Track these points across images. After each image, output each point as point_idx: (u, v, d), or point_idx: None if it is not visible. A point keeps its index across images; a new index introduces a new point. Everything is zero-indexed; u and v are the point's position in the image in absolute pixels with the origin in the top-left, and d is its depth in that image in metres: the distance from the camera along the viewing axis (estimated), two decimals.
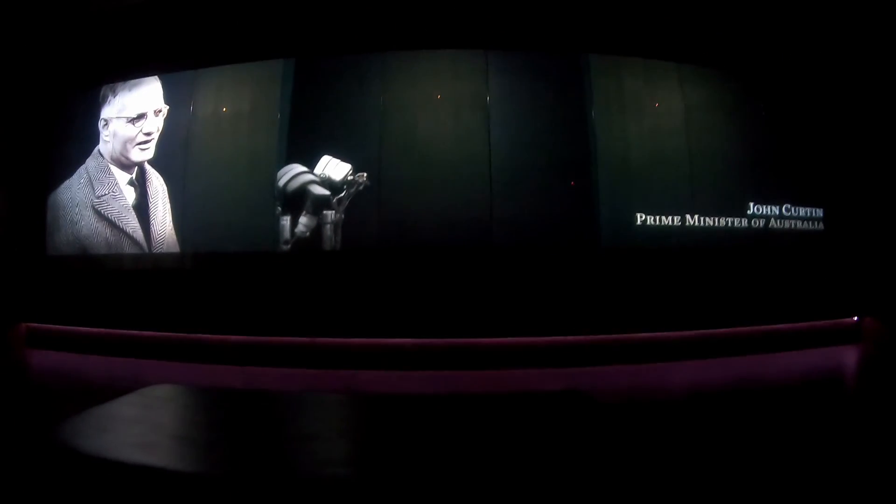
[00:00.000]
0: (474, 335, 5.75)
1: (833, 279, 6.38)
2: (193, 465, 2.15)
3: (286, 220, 6.16)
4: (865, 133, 6.52)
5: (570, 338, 5.79)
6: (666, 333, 5.88)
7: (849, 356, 6.17)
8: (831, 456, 3.10)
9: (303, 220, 6.14)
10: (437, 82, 6.27)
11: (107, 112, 6.89)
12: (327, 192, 6.10)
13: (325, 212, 6.10)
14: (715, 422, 3.98)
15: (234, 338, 5.99)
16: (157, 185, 6.64)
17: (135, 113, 6.76)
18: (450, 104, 6.21)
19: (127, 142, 6.76)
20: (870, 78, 6.46)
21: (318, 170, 6.15)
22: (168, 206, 6.58)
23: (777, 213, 6.42)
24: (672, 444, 2.96)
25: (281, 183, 6.20)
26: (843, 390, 5.10)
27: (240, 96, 6.53)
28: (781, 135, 6.52)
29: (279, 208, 6.19)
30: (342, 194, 6.09)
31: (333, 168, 6.11)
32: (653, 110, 6.35)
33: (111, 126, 6.84)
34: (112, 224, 6.73)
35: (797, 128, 6.55)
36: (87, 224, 6.83)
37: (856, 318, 6.52)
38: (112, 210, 6.74)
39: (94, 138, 6.91)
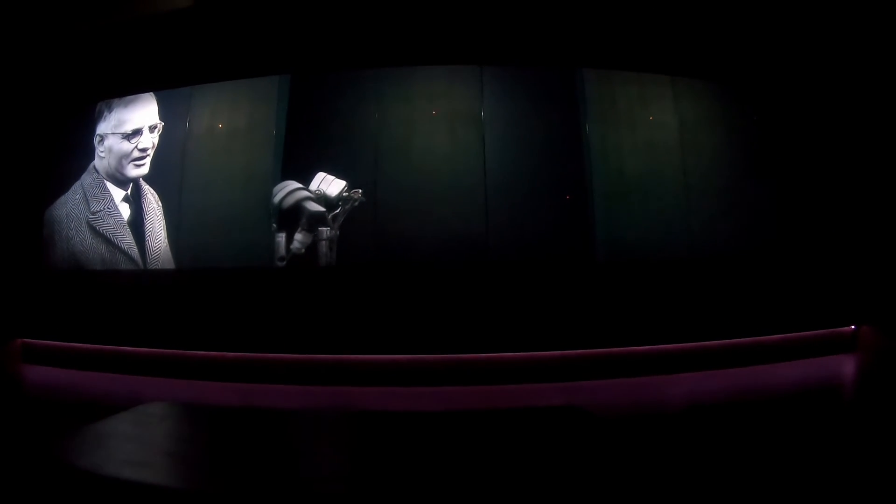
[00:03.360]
0: (471, 351, 5.73)
1: (830, 288, 6.38)
2: (187, 482, 2.14)
3: (282, 237, 6.15)
4: (861, 142, 6.54)
5: (567, 352, 5.77)
6: (663, 346, 5.87)
7: (847, 365, 6.16)
8: (831, 465, 3.09)
9: (298, 236, 6.13)
10: (433, 98, 6.29)
11: (102, 128, 6.89)
12: (323, 209, 6.09)
13: (320, 228, 6.09)
14: (714, 434, 3.97)
15: (230, 355, 5.97)
16: (153, 202, 6.63)
17: (130, 129, 6.76)
18: (445, 120, 6.23)
19: (122, 158, 6.75)
20: (866, 85, 6.48)
21: (313, 186, 6.15)
22: (163, 222, 6.57)
23: (774, 223, 6.42)
24: (671, 459, 2.94)
25: (276, 199, 6.20)
26: (842, 399, 5.09)
27: (236, 113, 6.54)
28: (777, 145, 6.54)
29: (274, 225, 6.19)
30: (337, 211, 6.08)
31: (329, 184, 6.11)
32: (647, 123, 6.37)
33: (106, 142, 6.84)
34: (107, 240, 6.72)
35: (793, 137, 6.57)
36: (83, 240, 6.81)
37: (853, 327, 6.51)
38: (107, 226, 6.73)
39: (89, 154, 6.90)
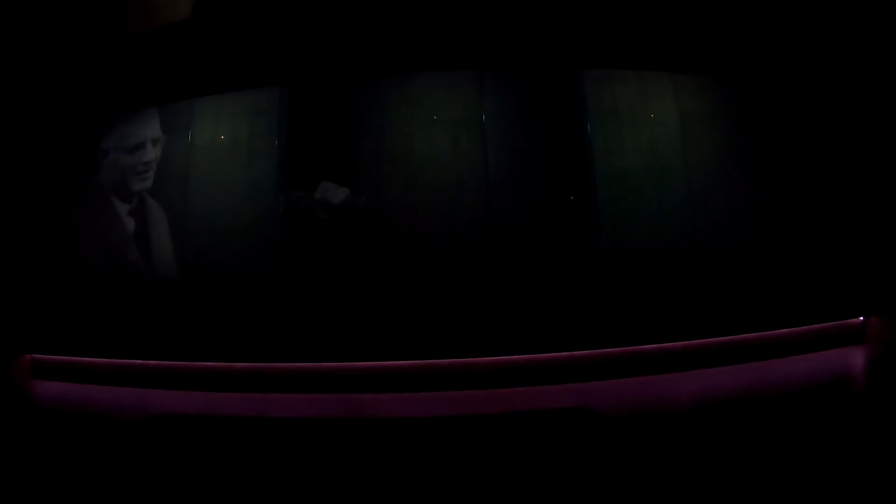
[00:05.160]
0: (479, 354, 5.74)
1: (837, 281, 6.36)
2: (197, 491, 2.15)
3: (286, 246, 6.19)
4: (865, 133, 6.51)
5: (576, 353, 5.77)
6: (672, 344, 5.86)
7: (856, 357, 6.13)
8: (843, 459, 3.08)
9: (303, 245, 6.15)
10: (433, 104, 6.31)
11: (104, 143, 6.91)
12: (327, 217, 6.12)
13: (325, 237, 6.12)
14: (726, 432, 3.96)
15: (238, 365, 5.98)
16: (157, 214, 6.65)
17: (133, 143, 6.78)
18: (446, 125, 6.25)
19: (125, 171, 6.78)
20: (870, 76, 6.46)
21: (317, 195, 6.18)
22: (168, 234, 6.60)
23: (778, 216, 6.40)
24: (683, 459, 2.93)
25: (280, 209, 6.24)
26: (852, 391, 5.09)
27: (237, 123, 6.58)
28: (779, 138, 6.52)
29: (279, 234, 6.22)
30: (341, 219, 6.11)
31: (332, 192, 6.14)
32: (649, 121, 6.37)
33: (109, 156, 6.86)
34: (113, 254, 6.74)
35: (796, 130, 6.55)
36: (89, 255, 6.82)
37: (861, 319, 6.48)
38: (112, 240, 6.75)
39: (92, 169, 6.93)
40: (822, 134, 6.55)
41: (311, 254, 6.17)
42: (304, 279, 6.17)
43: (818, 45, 6.50)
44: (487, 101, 6.28)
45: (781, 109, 6.58)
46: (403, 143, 6.24)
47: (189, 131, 6.68)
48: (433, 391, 5.56)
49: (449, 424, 4.49)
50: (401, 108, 6.33)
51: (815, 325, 6.26)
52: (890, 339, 6.25)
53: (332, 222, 6.14)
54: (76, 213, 6.92)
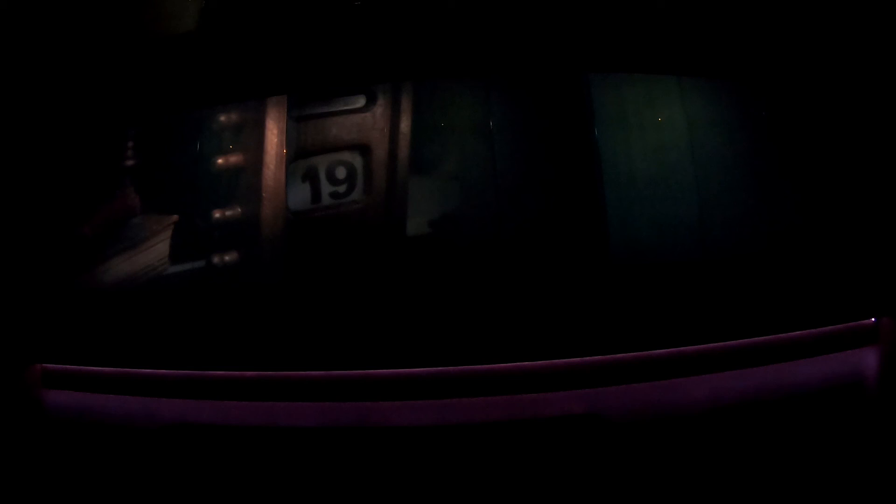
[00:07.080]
0: (489, 361, 5.70)
1: (848, 282, 6.32)
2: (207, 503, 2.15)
3: (295, 253, 6.21)
4: (879, 132, 6.48)
5: (586, 359, 5.73)
6: (683, 348, 5.83)
7: (869, 358, 6.09)
8: (857, 462, 3.07)
9: (312, 250, 6.17)
10: (440, 111, 6.33)
11: (112, 151, 6.91)
12: (335, 223, 6.16)
13: (332, 242, 6.15)
14: (739, 436, 3.94)
15: (248, 373, 5.98)
16: (165, 224, 6.68)
17: (140, 152, 6.80)
18: (453, 132, 6.28)
19: (132, 181, 6.80)
20: (880, 79, 6.43)
21: (325, 201, 6.21)
22: (175, 242, 6.62)
23: (788, 217, 6.37)
24: (694, 466, 2.91)
25: (289, 216, 6.25)
26: (866, 393, 5.07)
27: (244, 131, 6.59)
28: (788, 140, 6.48)
29: (288, 240, 6.24)
30: (349, 225, 6.14)
31: (340, 199, 6.17)
32: (656, 125, 6.36)
33: (118, 165, 6.89)
34: (120, 261, 6.78)
35: (804, 131, 6.50)
36: (96, 263, 6.86)
37: (873, 320, 6.43)
38: (121, 248, 6.78)
39: (98, 177, 6.94)
40: (833, 134, 6.50)
41: (319, 260, 6.19)
42: (312, 286, 6.18)
43: (828, 44, 6.48)
44: (494, 106, 6.27)
45: (789, 110, 6.54)
46: (409, 147, 6.25)
47: (197, 141, 6.72)
48: (443, 399, 5.56)
49: (458, 432, 4.49)
50: (407, 114, 6.34)
51: (827, 328, 6.19)
52: None
53: (341, 228, 6.17)
54: (84, 221, 6.95)
